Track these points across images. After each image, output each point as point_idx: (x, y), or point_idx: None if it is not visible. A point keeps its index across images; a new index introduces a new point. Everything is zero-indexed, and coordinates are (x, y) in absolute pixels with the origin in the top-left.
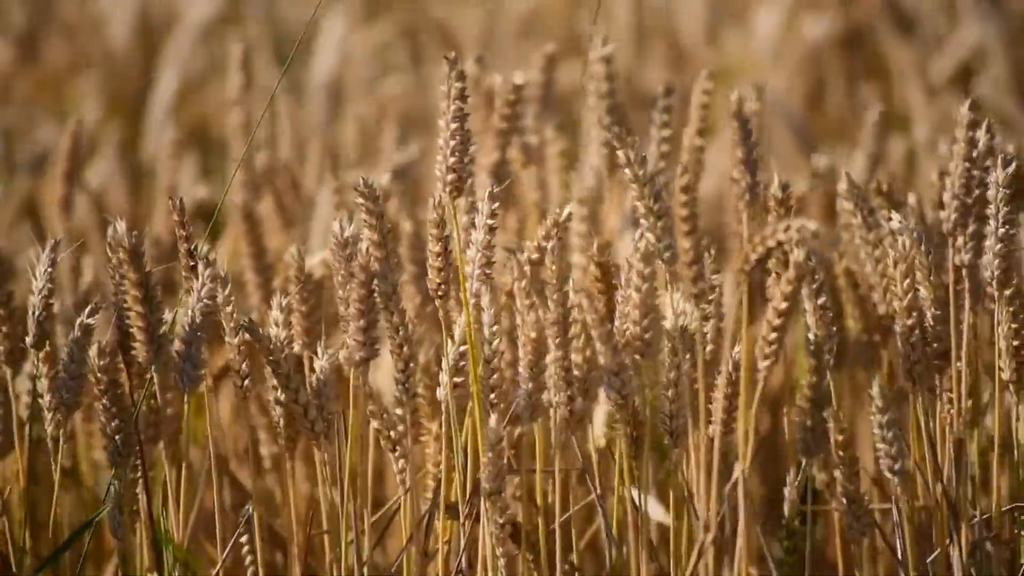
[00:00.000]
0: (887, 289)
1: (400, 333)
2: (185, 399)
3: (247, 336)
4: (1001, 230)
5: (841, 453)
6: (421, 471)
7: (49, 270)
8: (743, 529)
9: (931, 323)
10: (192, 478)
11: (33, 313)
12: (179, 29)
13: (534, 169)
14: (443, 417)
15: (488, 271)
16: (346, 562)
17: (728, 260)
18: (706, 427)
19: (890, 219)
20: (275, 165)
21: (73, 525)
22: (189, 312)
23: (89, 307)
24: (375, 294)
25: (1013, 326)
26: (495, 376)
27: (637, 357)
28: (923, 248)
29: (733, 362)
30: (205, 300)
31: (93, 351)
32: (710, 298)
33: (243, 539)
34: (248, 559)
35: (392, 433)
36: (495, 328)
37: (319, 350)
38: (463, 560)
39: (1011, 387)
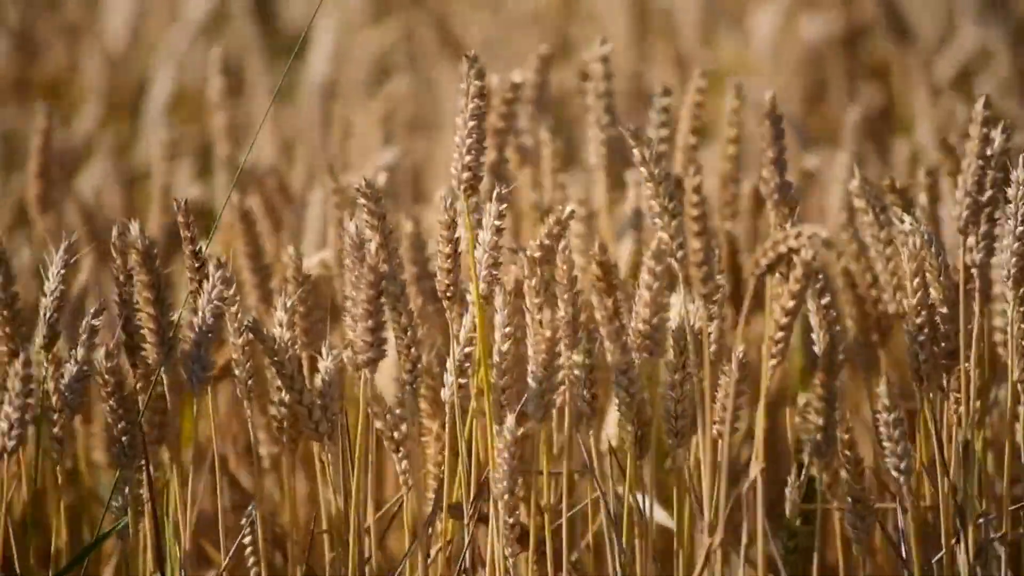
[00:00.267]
0: (897, 288)
1: (408, 334)
2: (194, 400)
3: (251, 337)
4: (1020, 228)
5: (847, 452)
6: (422, 471)
7: (62, 271)
8: (760, 532)
9: (940, 322)
10: (193, 479)
11: (44, 314)
12: (175, 28)
13: (528, 170)
14: (447, 417)
15: (495, 272)
16: (348, 562)
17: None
18: (711, 427)
19: (902, 220)
20: (260, 167)
21: (73, 525)
22: (199, 313)
23: (94, 309)
24: (383, 295)
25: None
26: (506, 377)
27: (645, 355)
28: (933, 249)
29: (738, 361)
30: (216, 301)
31: (100, 353)
32: (715, 298)
33: (246, 540)
34: (251, 560)
35: (395, 434)
36: (507, 329)
37: (323, 351)
38: (466, 560)
39: (1021, 387)
